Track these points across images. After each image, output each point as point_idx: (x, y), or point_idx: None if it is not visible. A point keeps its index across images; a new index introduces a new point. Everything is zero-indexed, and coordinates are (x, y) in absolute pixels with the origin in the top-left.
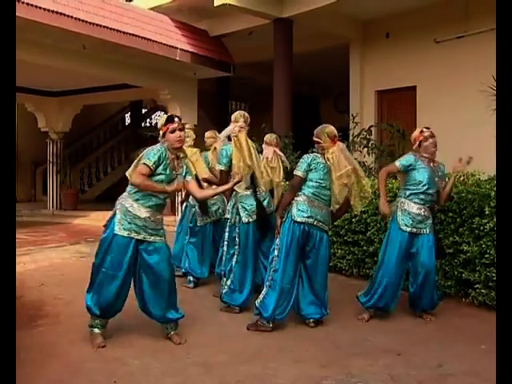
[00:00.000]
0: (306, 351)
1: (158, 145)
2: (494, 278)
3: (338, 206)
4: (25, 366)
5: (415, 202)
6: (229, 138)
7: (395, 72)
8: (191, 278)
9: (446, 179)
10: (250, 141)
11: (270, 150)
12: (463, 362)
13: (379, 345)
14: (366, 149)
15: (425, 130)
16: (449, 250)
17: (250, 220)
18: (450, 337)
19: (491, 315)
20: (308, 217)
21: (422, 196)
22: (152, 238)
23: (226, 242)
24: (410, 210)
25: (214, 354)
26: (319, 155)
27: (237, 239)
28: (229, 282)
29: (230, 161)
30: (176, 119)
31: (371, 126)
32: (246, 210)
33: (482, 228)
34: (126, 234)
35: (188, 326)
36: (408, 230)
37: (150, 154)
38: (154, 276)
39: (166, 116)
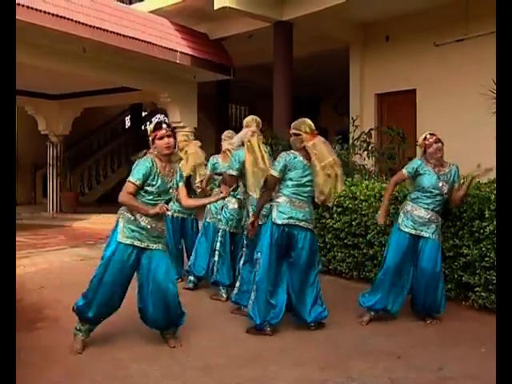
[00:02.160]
0: (306, 354)
1: (145, 156)
2: (494, 281)
3: (323, 197)
4: (25, 368)
5: (421, 206)
6: (242, 143)
7: (395, 75)
8: (191, 278)
9: (461, 181)
10: (262, 145)
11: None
12: (463, 364)
13: (379, 347)
14: (365, 152)
15: (428, 136)
16: (449, 253)
17: (261, 223)
18: (450, 340)
19: (491, 318)
20: (289, 218)
21: (428, 201)
22: (155, 246)
23: (217, 251)
24: (412, 212)
25: (214, 357)
26: (296, 152)
27: (245, 241)
28: (238, 284)
29: (243, 166)
30: (164, 126)
31: (371, 129)
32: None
33: (482, 231)
34: (129, 241)
35: (187, 329)
36: (407, 230)
37: (136, 170)
38: (154, 284)
39: (154, 122)
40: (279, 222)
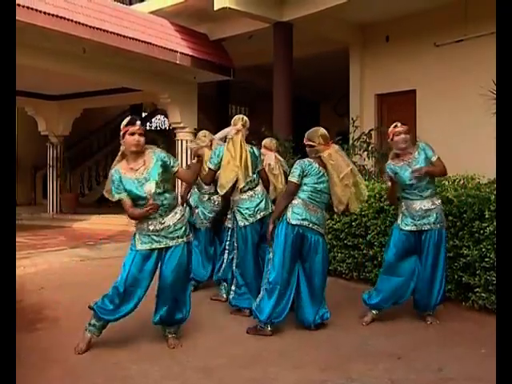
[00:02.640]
0: (307, 355)
1: (113, 167)
2: (494, 282)
3: (342, 208)
4: (25, 369)
5: (413, 199)
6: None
7: (395, 75)
8: (192, 282)
9: (433, 158)
10: (245, 145)
11: (272, 157)
12: (464, 365)
13: (379, 348)
14: (365, 152)
15: (399, 125)
16: (449, 253)
17: (247, 223)
18: (451, 341)
19: (491, 319)
20: (303, 219)
21: (416, 190)
22: (173, 242)
23: (226, 250)
24: (408, 208)
25: (214, 358)
26: (312, 160)
27: (235, 243)
28: (233, 287)
29: (221, 161)
30: (138, 123)
31: (371, 130)
32: (241, 213)
33: (482, 232)
34: (147, 247)
35: (187, 330)
36: (408, 228)
37: (111, 185)
38: (161, 278)
39: (128, 118)
40: (294, 222)
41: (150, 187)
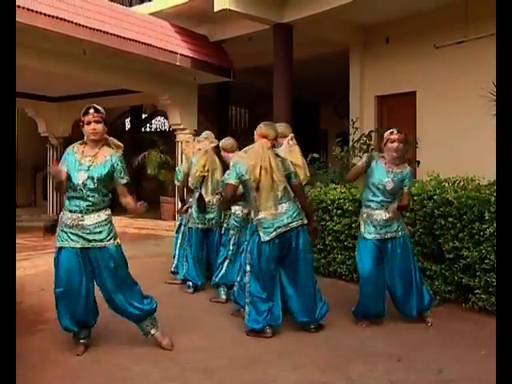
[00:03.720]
0: (306, 356)
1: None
2: (494, 284)
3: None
4: (25, 370)
5: (375, 207)
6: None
7: (395, 77)
8: (190, 284)
9: (405, 189)
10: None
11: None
12: (463, 367)
13: (379, 349)
14: (365, 154)
15: (395, 132)
16: (449, 255)
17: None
18: (451, 342)
19: (491, 320)
20: (275, 229)
21: (379, 198)
22: (90, 244)
23: (228, 260)
24: (369, 216)
25: (214, 359)
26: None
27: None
28: (238, 279)
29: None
30: (91, 111)
31: (371, 131)
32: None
33: (482, 233)
34: (65, 244)
35: (187, 331)
36: (372, 236)
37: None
38: (103, 278)
39: (84, 108)
40: (267, 238)
41: (82, 176)
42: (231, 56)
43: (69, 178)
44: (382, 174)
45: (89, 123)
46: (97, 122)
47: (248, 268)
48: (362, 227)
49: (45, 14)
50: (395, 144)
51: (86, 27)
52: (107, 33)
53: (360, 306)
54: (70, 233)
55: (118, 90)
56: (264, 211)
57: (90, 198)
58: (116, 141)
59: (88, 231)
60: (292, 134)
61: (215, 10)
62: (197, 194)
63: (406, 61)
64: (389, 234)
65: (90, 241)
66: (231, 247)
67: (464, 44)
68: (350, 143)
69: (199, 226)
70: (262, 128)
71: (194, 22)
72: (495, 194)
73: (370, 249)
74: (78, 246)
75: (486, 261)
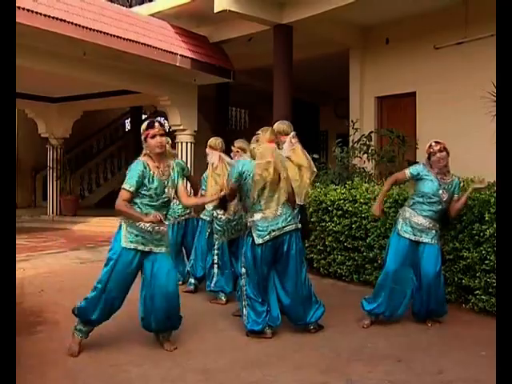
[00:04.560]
0: (306, 357)
1: (137, 160)
2: (494, 284)
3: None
4: (25, 371)
5: (418, 213)
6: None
7: (395, 78)
8: (192, 281)
9: (460, 193)
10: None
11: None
12: (463, 368)
13: (379, 351)
14: (365, 155)
15: (434, 143)
16: (449, 256)
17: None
18: (450, 343)
19: (491, 321)
20: (269, 233)
21: (426, 207)
22: (158, 249)
23: (215, 264)
24: (410, 218)
25: (214, 361)
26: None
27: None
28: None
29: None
30: (157, 124)
31: (371, 132)
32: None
33: (481, 234)
34: (132, 246)
35: (188, 332)
36: (407, 236)
37: (129, 176)
38: (156, 287)
39: (147, 121)
40: (260, 241)
41: (172, 192)
42: (231, 57)
43: (144, 185)
44: (435, 187)
45: (154, 136)
46: (162, 135)
47: (243, 270)
48: (400, 225)
49: (45, 15)
50: (441, 153)
51: (86, 28)
52: (107, 34)
53: (374, 302)
54: (142, 236)
55: (118, 91)
56: (265, 210)
57: (167, 209)
58: (171, 150)
59: (158, 237)
60: (294, 132)
61: (215, 10)
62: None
63: (406, 61)
64: (424, 239)
65: (157, 246)
66: (216, 251)
67: (464, 44)
68: (350, 144)
69: (224, 239)
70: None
71: (194, 23)
72: (495, 195)
73: (402, 246)
74: (147, 249)
75: (486, 262)
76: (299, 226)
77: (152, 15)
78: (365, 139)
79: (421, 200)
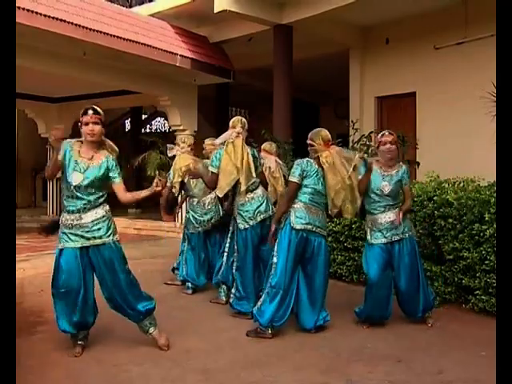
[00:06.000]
0: (306, 358)
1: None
2: (494, 285)
3: (335, 211)
4: (25, 372)
5: (377, 213)
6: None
7: (395, 78)
8: (189, 285)
9: (406, 187)
10: (246, 147)
11: (272, 160)
12: (463, 368)
13: (379, 351)
14: (365, 155)
15: (386, 133)
16: (449, 256)
17: (247, 226)
18: (450, 343)
19: (491, 321)
20: (307, 223)
21: (381, 203)
22: (89, 242)
23: (225, 252)
24: (375, 222)
25: (214, 361)
26: (311, 160)
27: (235, 247)
28: (233, 290)
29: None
30: (90, 112)
31: (371, 132)
32: (241, 216)
33: (482, 234)
34: (67, 245)
35: (187, 332)
36: (378, 242)
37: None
38: (104, 276)
39: (84, 108)
40: (298, 226)
41: (78, 178)
42: (231, 57)
43: (64, 174)
44: (378, 179)
45: (87, 124)
46: (95, 123)
47: (274, 260)
48: (369, 235)
49: (45, 15)
50: (387, 146)
51: (86, 28)
52: (107, 34)
53: (365, 309)
54: (70, 233)
55: (118, 91)
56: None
57: (85, 197)
58: (113, 144)
59: (87, 229)
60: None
61: (215, 11)
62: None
63: (406, 61)
64: (396, 237)
65: (88, 238)
66: (229, 240)
67: (464, 45)
68: (350, 144)
69: (200, 229)
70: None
71: (194, 23)
72: (495, 195)
73: (376, 254)
74: (78, 245)
75: (486, 262)
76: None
77: (152, 15)
78: (365, 139)
79: (371, 198)
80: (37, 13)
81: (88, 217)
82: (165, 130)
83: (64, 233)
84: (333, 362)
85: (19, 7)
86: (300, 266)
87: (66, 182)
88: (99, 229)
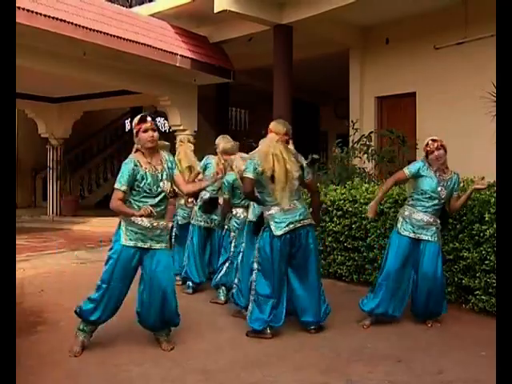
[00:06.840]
0: (306, 358)
1: (129, 156)
2: (494, 285)
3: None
4: (25, 372)
5: (419, 210)
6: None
7: (395, 78)
8: (190, 284)
9: (461, 184)
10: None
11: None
12: (463, 368)
13: (379, 351)
14: (365, 155)
15: (430, 142)
16: (449, 256)
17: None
18: (451, 343)
19: (491, 322)
20: (287, 225)
21: (426, 204)
22: (158, 246)
23: (230, 257)
24: (410, 215)
25: (214, 361)
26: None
27: (244, 242)
28: (236, 281)
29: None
30: (149, 119)
31: (371, 132)
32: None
33: (481, 234)
34: (132, 244)
35: (187, 332)
36: (406, 234)
37: (120, 175)
38: (152, 283)
39: (139, 116)
40: (280, 233)
41: (168, 185)
42: (231, 57)
43: (142, 189)
44: (434, 184)
45: (146, 131)
46: (153, 130)
47: (256, 266)
48: (399, 224)
49: (45, 15)
50: (435, 154)
51: (86, 28)
52: (107, 34)
53: (373, 302)
54: (141, 234)
55: (118, 91)
56: (279, 203)
57: (163, 205)
58: (164, 142)
59: (158, 233)
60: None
61: (215, 11)
62: (207, 195)
63: (406, 61)
64: (424, 237)
65: (158, 242)
66: (232, 249)
67: (464, 45)
68: (350, 144)
69: (202, 223)
70: (272, 124)
71: (194, 23)
72: (495, 195)
73: (402, 245)
74: (146, 246)
75: (486, 262)
76: (313, 222)
77: (152, 15)
78: (365, 139)
79: (420, 197)
80: (37, 13)
81: (162, 221)
82: (165, 130)
83: (135, 232)
84: (333, 362)
85: (19, 7)
86: (289, 264)
87: (149, 190)
88: (166, 235)
